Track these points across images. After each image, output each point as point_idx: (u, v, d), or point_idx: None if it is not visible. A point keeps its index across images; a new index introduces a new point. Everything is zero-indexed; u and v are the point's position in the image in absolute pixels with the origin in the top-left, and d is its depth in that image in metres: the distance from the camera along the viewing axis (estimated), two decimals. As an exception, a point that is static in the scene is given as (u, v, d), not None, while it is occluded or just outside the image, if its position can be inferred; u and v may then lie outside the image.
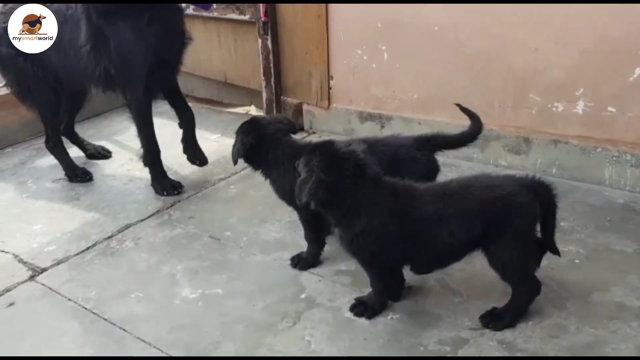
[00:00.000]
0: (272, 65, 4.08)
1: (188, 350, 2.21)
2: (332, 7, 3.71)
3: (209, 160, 3.68)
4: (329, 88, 3.93)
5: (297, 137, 2.63)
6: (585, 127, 3.11)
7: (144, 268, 2.73)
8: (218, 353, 2.19)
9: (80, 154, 3.91)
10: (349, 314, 2.32)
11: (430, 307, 2.33)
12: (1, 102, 3.95)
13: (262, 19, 3.97)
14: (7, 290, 2.62)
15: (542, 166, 3.27)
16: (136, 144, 3.67)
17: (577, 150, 3.16)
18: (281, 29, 4.00)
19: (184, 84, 4.85)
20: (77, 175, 3.61)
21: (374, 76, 3.73)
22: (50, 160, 3.74)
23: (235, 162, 2.53)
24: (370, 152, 2.19)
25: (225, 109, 4.65)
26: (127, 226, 3.07)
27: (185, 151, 3.57)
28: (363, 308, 2.31)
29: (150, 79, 3.20)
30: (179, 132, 3.54)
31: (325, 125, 3.98)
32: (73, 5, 3.14)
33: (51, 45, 3.19)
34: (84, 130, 4.22)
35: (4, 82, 3.65)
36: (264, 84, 4.19)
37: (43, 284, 2.64)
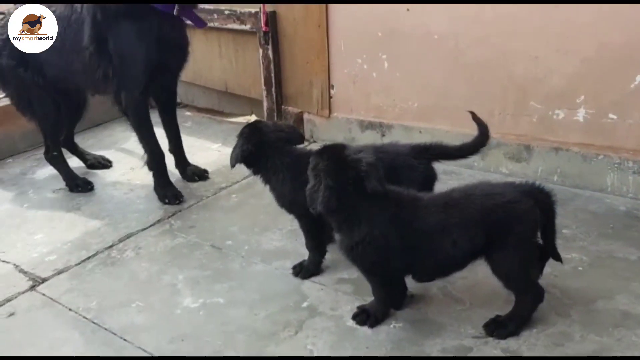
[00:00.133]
0: (273, 74, 4.09)
1: (189, 360, 2.19)
2: (333, 16, 3.73)
3: (210, 169, 3.69)
4: (330, 97, 3.93)
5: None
6: (586, 135, 3.11)
7: (145, 277, 2.71)
8: (220, 363, 2.18)
9: (81, 164, 3.90)
10: (352, 323, 2.30)
11: (433, 315, 2.31)
12: (2, 112, 3.95)
13: (263, 29, 3.98)
14: (8, 300, 2.60)
15: (544, 174, 3.26)
16: (137, 153, 3.70)
17: (578, 158, 3.15)
18: (282, 38, 4.02)
19: (185, 94, 4.89)
20: (78, 185, 3.60)
21: (374, 85, 3.74)
22: (50, 170, 3.74)
23: (232, 166, 2.53)
24: None
25: (226, 119, 4.66)
26: (128, 236, 3.06)
27: (181, 173, 3.61)
28: (365, 316, 2.29)
29: (149, 85, 3.22)
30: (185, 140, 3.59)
31: (326, 134, 3.98)
32: (78, 9, 3.16)
33: (54, 50, 3.20)
34: (84, 140, 4.22)
35: (4, 94, 3.67)
36: (264, 93, 4.20)
37: (44, 294, 2.63)
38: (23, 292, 2.65)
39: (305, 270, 2.62)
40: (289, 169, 2.48)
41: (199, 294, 2.56)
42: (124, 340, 2.32)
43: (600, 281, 2.42)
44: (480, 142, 2.52)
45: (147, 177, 3.56)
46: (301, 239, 2.68)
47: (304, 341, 2.24)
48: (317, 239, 2.61)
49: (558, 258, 2.29)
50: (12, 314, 2.52)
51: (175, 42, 3.21)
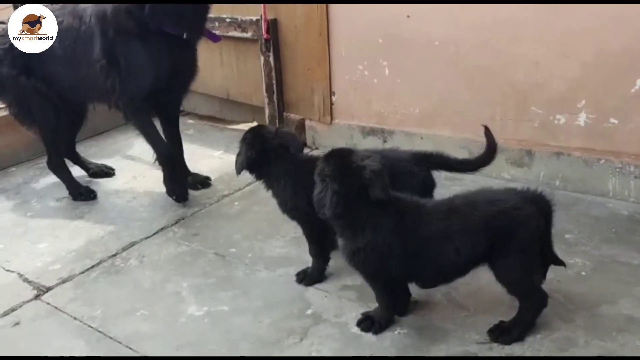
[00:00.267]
0: (274, 82, 4.10)
1: (194, 368, 2.20)
2: (333, 23, 3.75)
3: (212, 177, 3.70)
4: (331, 104, 3.95)
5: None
6: (587, 139, 3.12)
7: (149, 286, 2.72)
8: (225, 371, 2.18)
9: (84, 172, 3.90)
10: (356, 330, 2.31)
11: (437, 321, 2.32)
12: (5, 122, 3.96)
13: (264, 37, 4.00)
14: (13, 309, 2.61)
15: (545, 179, 3.27)
16: (140, 161, 3.71)
17: (580, 162, 3.16)
18: (283, 46, 4.03)
19: (187, 102, 4.84)
20: (81, 193, 3.61)
21: (375, 91, 3.75)
22: (53, 179, 3.74)
23: (238, 173, 2.54)
24: None
25: (228, 126, 4.67)
26: (132, 244, 3.06)
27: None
28: (370, 323, 2.30)
29: (151, 101, 3.27)
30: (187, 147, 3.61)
31: (328, 140, 3.99)
32: (87, 20, 3.19)
33: (63, 60, 3.23)
34: (87, 148, 4.24)
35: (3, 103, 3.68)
36: (266, 100, 4.21)
37: (48, 303, 2.64)
38: (28, 302, 2.66)
39: (309, 277, 2.62)
40: (290, 175, 2.49)
41: (203, 301, 2.57)
42: (129, 348, 2.32)
43: (603, 286, 2.43)
44: (483, 161, 2.54)
45: (150, 185, 3.58)
46: (304, 246, 2.68)
47: (309, 348, 2.25)
48: (320, 246, 2.62)
49: (559, 262, 2.30)
50: (17, 324, 2.52)
51: (183, 63, 3.25)
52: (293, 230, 2.91)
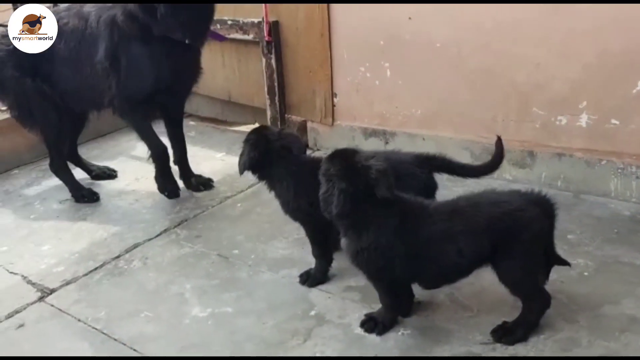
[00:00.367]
0: (276, 83, 4.11)
1: (199, 370, 2.21)
2: (335, 25, 3.76)
3: (215, 178, 3.71)
4: (333, 105, 3.96)
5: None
6: (589, 140, 3.13)
7: (153, 288, 2.73)
8: (229, 372, 2.19)
9: (86, 175, 3.91)
10: (360, 330, 2.31)
11: (441, 322, 2.32)
12: (7, 124, 3.97)
13: (266, 39, 4.01)
14: (17, 311, 2.62)
15: (547, 179, 3.28)
16: (142, 163, 3.71)
17: (581, 163, 3.17)
18: (285, 48, 4.04)
19: (188, 103, 4.87)
20: (84, 195, 3.62)
21: (377, 93, 3.76)
22: (56, 181, 3.75)
23: (241, 173, 2.55)
24: None
25: (230, 128, 4.68)
26: (135, 246, 3.07)
27: (185, 183, 3.64)
28: (373, 324, 2.30)
29: (153, 103, 3.29)
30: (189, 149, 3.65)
31: (330, 142, 4.00)
32: (92, 24, 3.21)
33: (67, 62, 3.25)
34: (89, 150, 4.25)
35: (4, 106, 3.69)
36: (268, 102, 4.22)
37: (52, 305, 2.65)
38: (32, 303, 2.67)
39: (312, 279, 2.63)
40: (293, 176, 2.50)
41: (207, 303, 2.57)
42: (133, 350, 2.33)
43: (606, 286, 2.43)
44: (486, 170, 2.55)
45: (152, 187, 3.58)
46: (307, 248, 2.69)
47: (313, 349, 2.25)
48: (323, 247, 2.63)
49: (564, 262, 2.31)
50: (21, 325, 2.53)
51: (185, 66, 3.27)
52: (296, 231, 2.92)
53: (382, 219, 2.10)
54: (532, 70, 3.17)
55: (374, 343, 2.25)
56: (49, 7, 3.34)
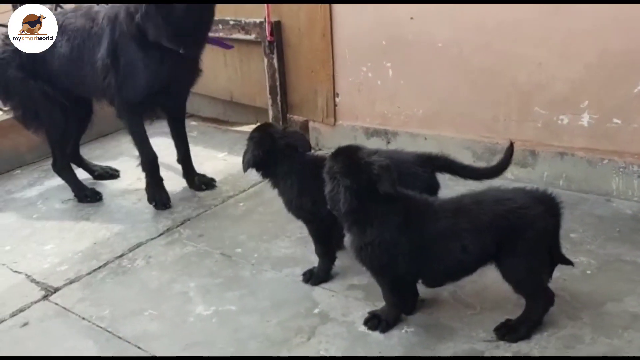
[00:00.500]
0: (278, 83, 4.12)
1: (203, 367, 2.21)
2: (337, 25, 3.77)
3: (217, 178, 3.72)
4: (335, 105, 3.97)
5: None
6: (591, 139, 3.14)
7: (156, 286, 2.74)
8: (234, 369, 2.20)
9: (89, 175, 3.91)
10: (363, 328, 2.32)
11: (444, 319, 2.33)
12: (9, 124, 3.98)
13: (268, 39, 4.02)
14: (21, 310, 2.62)
15: (549, 179, 3.28)
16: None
17: (583, 162, 3.18)
18: (286, 48, 4.06)
19: (190, 103, 4.86)
20: (87, 195, 3.62)
21: (379, 93, 3.77)
22: (58, 181, 3.76)
23: (245, 171, 2.55)
24: None
25: (232, 128, 4.69)
26: (138, 245, 3.08)
27: (188, 182, 3.64)
28: (377, 321, 2.31)
29: (152, 104, 3.29)
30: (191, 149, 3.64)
31: (332, 142, 4.01)
32: (99, 22, 3.21)
33: (71, 60, 3.25)
34: (91, 150, 4.26)
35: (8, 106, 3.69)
36: (270, 102, 4.23)
37: (56, 304, 2.65)
38: (36, 302, 2.68)
39: (316, 277, 2.64)
40: (297, 174, 2.51)
41: (211, 301, 2.58)
42: (138, 348, 2.34)
43: (609, 284, 2.44)
44: (489, 174, 2.55)
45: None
46: (310, 246, 2.70)
47: (317, 347, 2.26)
48: (326, 245, 2.64)
49: (567, 262, 2.31)
50: (25, 324, 2.54)
51: (183, 70, 3.24)
52: (299, 230, 2.92)
53: (387, 215, 2.11)
54: (534, 69, 3.19)
55: (378, 341, 2.26)
56: (50, 9, 3.35)
